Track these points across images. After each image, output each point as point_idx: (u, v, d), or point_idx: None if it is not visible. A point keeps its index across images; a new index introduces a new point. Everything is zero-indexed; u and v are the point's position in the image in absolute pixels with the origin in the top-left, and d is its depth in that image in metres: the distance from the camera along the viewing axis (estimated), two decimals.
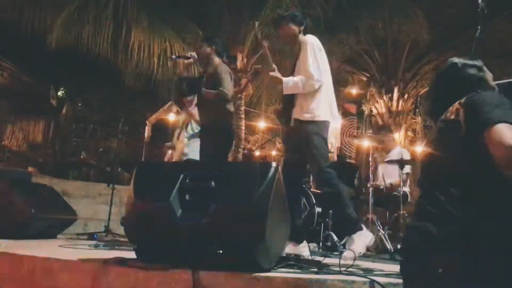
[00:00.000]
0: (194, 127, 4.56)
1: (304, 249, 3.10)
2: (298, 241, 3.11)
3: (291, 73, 3.28)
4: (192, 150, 4.40)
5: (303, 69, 3.14)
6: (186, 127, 4.70)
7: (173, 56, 4.64)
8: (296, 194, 3.35)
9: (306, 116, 3.13)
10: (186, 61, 4.09)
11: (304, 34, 3.33)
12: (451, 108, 1.47)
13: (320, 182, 3.23)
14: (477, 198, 1.25)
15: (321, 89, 3.17)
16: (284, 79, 3.15)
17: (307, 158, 3.18)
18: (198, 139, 4.29)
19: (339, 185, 3.06)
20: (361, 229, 3.01)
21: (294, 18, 3.32)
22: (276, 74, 3.21)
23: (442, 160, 1.43)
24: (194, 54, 4.09)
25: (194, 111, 4.30)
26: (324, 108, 3.18)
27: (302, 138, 3.13)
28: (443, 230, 1.24)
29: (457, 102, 1.45)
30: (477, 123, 1.31)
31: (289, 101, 3.22)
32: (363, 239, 2.94)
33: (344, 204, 3.03)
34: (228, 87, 3.77)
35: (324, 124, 3.18)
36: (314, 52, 3.15)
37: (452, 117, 1.43)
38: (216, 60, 3.95)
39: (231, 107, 3.92)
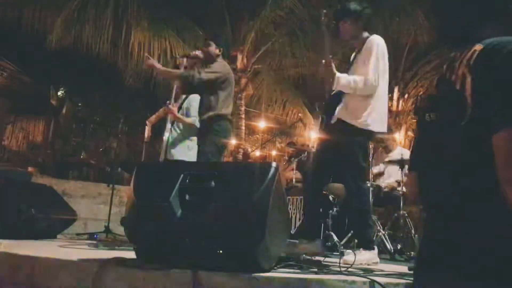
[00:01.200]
0: (180, 125, 4.35)
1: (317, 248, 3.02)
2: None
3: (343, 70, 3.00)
4: (178, 151, 4.23)
5: (364, 70, 2.85)
6: (172, 125, 4.40)
7: (178, 56, 4.54)
8: (321, 195, 3.25)
9: (355, 121, 2.85)
10: (190, 60, 4.00)
11: (368, 30, 3.03)
12: (463, 57, 1.03)
13: (351, 195, 2.93)
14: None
15: (377, 95, 2.88)
16: (338, 73, 2.83)
17: (341, 164, 2.93)
18: (187, 139, 4.23)
19: (368, 204, 2.94)
20: (373, 248, 2.90)
21: (355, 13, 3.00)
22: (331, 66, 2.83)
23: (433, 151, 1.10)
24: (199, 53, 4.00)
25: (174, 108, 4.17)
26: (377, 117, 2.89)
27: (342, 142, 2.86)
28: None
29: (474, 47, 1.01)
30: (491, 111, 0.91)
31: (334, 96, 2.95)
32: (371, 257, 2.80)
33: (367, 224, 2.92)
34: (213, 74, 3.73)
35: (371, 135, 2.98)
36: (379, 55, 2.88)
37: (457, 85, 1.01)
38: (222, 61, 3.94)
39: (227, 109, 3.83)
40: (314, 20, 7.86)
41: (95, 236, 4.37)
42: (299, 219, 4.94)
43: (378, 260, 2.89)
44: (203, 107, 3.85)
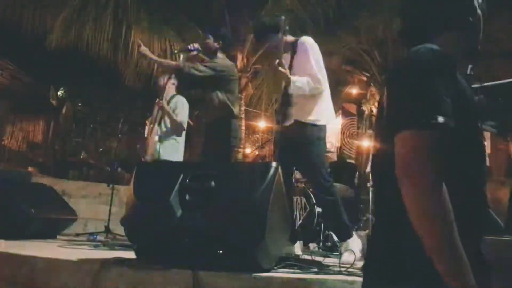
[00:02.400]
0: (168, 123, 4.24)
1: (297, 249, 3.12)
2: (292, 241, 3.09)
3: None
4: (165, 150, 4.12)
5: (308, 73, 3.00)
6: (160, 123, 4.33)
7: (176, 50, 4.42)
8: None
9: (310, 119, 3.04)
10: (189, 54, 3.82)
11: (288, 34, 3.22)
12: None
13: (319, 188, 3.14)
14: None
15: (324, 92, 3.11)
16: (293, 77, 2.97)
17: (305, 162, 3.12)
18: (172, 138, 4.18)
19: (336, 194, 3.06)
20: (352, 235, 3.05)
21: (275, 27, 3.17)
22: (285, 69, 2.95)
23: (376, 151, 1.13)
24: (197, 46, 3.83)
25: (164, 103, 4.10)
26: (326, 111, 3.13)
27: (301, 140, 3.05)
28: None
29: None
30: (391, 117, 0.97)
31: (288, 98, 3.11)
32: (356, 244, 2.97)
33: (341, 212, 3.04)
34: (215, 66, 3.66)
35: (325, 128, 3.14)
36: (315, 55, 3.06)
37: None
38: (221, 56, 3.81)
39: (235, 108, 3.75)
40: (314, 20, 7.86)
41: (95, 236, 4.37)
42: (299, 219, 4.93)
43: (360, 242, 3.07)
44: (209, 106, 3.69)
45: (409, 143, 0.89)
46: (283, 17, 3.21)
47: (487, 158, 1.11)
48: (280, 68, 2.90)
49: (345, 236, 3.03)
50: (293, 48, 3.16)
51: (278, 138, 3.14)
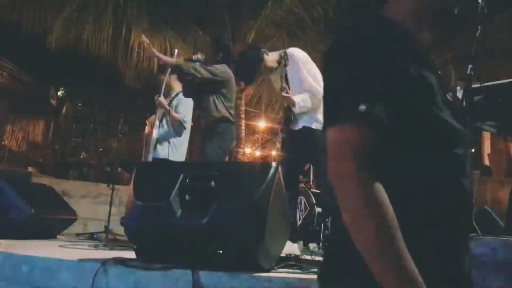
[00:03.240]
0: (168, 122, 4.20)
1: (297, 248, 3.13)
2: (293, 241, 3.12)
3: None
4: (165, 150, 4.11)
5: (306, 89, 3.06)
6: (161, 121, 4.31)
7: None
8: (292, 195, 3.35)
9: (317, 125, 3.08)
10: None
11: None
12: None
13: (328, 191, 3.15)
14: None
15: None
16: (296, 99, 3.05)
17: (316, 164, 3.16)
18: (172, 138, 4.14)
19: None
20: None
21: (258, 59, 3.16)
22: (288, 95, 3.07)
23: None
24: (200, 56, 3.94)
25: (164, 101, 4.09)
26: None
27: (311, 144, 3.05)
28: None
29: None
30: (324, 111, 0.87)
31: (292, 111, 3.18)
32: None
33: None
34: (211, 73, 3.72)
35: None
36: (306, 66, 3.09)
37: None
38: (224, 66, 3.89)
39: (229, 107, 3.84)
40: (314, 20, 7.87)
41: (95, 236, 4.37)
42: (299, 219, 4.93)
43: None
44: (206, 109, 3.81)
45: (331, 139, 0.79)
46: (260, 47, 3.23)
47: (468, 148, 0.93)
48: (284, 95, 3.03)
49: None
50: (284, 61, 3.18)
51: (287, 143, 3.20)
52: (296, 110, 3.06)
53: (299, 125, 3.13)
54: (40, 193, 4.11)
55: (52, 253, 2.38)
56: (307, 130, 3.09)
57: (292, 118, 3.17)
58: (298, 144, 3.15)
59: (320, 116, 3.11)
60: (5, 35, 8.44)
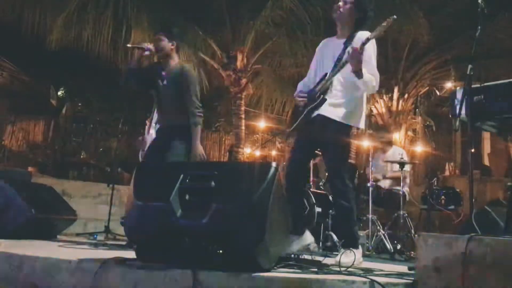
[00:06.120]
0: None
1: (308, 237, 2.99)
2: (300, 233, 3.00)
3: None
4: None
5: (371, 72, 2.75)
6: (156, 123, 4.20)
7: (129, 45, 3.99)
8: (300, 195, 3.25)
9: (343, 118, 2.84)
10: (141, 52, 3.54)
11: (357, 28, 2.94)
12: None
13: (337, 192, 2.93)
14: None
15: (364, 94, 2.95)
16: (364, 70, 2.69)
17: (329, 161, 2.97)
18: None
19: (353, 201, 2.89)
20: (359, 247, 2.91)
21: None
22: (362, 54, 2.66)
23: None
24: (150, 46, 3.54)
25: None
26: (362, 114, 2.95)
27: (328, 139, 2.85)
28: None
29: None
30: None
31: (320, 94, 2.88)
32: (359, 257, 2.78)
33: (353, 221, 2.90)
34: (197, 93, 3.46)
35: (353, 131, 2.99)
36: (375, 54, 2.87)
37: None
38: (176, 58, 3.60)
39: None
40: (314, 20, 7.86)
41: (95, 236, 4.38)
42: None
43: (362, 260, 2.86)
44: (173, 113, 3.53)
45: None
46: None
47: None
48: (359, 53, 2.64)
49: (353, 245, 2.83)
50: (347, 39, 2.92)
51: (299, 134, 3.01)
52: (358, 82, 2.72)
53: (314, 113, 2.89)
54: (40, 193, 4.11)
55: (52, 253, 2.38)
56: (327, 121, 2.85)
57: (318, 105, 2.87)
58: (310, 137, 2.95)
59: (357, 109, 2.90)
60: (5, 35, 8.44)
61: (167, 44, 3.52)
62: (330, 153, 2.93)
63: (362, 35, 2.79)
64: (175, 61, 3.59)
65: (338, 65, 2.84)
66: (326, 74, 2.92)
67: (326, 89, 2.88)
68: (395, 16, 2.63)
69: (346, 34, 2.98)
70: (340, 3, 2.98)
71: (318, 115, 2.88)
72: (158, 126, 4.14)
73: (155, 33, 3.65)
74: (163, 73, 3.56)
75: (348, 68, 2.75)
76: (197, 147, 3.39)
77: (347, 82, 2.84)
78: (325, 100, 2.85)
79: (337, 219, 3.23)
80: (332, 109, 2.85)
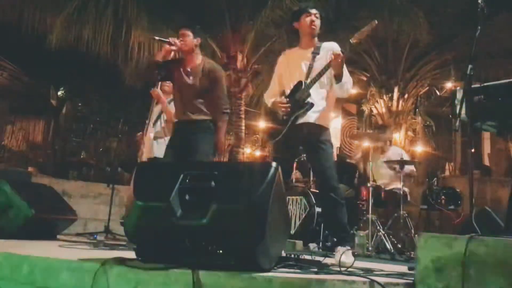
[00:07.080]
0: (164, 124, 4.21)
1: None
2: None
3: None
4: (159, 150, 4.05)
5: (345, 73, 2.95)
6: (156, 122, 4.31)
7: (156, 37, 3.94)
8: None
9: (323, 122, 3.03)
10: (168, 47, 3.55)
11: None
12: None
13: (328, 188, 2.96)
14: None
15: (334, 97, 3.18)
16: (345, 73, 2.95)
17: (316, 164, 3.06)
18: (165, 139, 4.09)
19: (343, 199, 2.97)
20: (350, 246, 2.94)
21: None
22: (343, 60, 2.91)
23: None
24: (177, 41, 3.54)
25: (170, 106, 3.98)
26: (331, 115, 3.21)
27: (313, 142, 2.99)
28: None
29: None
30: None
31: (302, 101, 3.03)
32: (351, 253, 2.81)
33: (344, 214, 2.94)
34: (225, 90, 3.58)
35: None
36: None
37: None
38: (200, 54, 3.62)
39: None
40: None
41: (95, 236, 4.38)
42: (299, 219, 4.94)
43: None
44: (197, 108, 3.56)
45: None
46: None
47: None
48: (342, 59, 2.90)
49: (347, 241, 2.88)
50: (314, 49, 3.14)
51: (281, 140, 3.08)
52: (336, 85, 2.96)
53: (299, 120, 3.01)
54: (40, 193, 4.11)
55: (52, 253, 2.38)
56: (309, 126, 2.99)
57: (288, 120, 3.02)
58: (293, 141, 3.10)
59: (330, 112, 3.16)
60: (5, 35, 8.44)
61: (192, 39, 3.55)
62: (320, 156, 3.01)
63: (329, 44, 3.13)
64: (199, 57, 3.60)
65: (319, 73, 3.00)
66: (301, 82, 3.05)
67: (307, 96, 3.01)
68: (376, 21, 2.89)
69: (311, 44, 3.20)
70: (313, 18, 3.22)
71: (304, 122, 3.02)
72: (158, 126, 4.17)
73: (178, 29, 3.67)
74: (188, 69, 3.57)
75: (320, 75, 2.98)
76: (223, 141, 3.57)
77: (322, 88, 3.06)
78: (313, 105, 2.99)
79: (327, 213, 3.25)
80: (316, 115, 3.01)
